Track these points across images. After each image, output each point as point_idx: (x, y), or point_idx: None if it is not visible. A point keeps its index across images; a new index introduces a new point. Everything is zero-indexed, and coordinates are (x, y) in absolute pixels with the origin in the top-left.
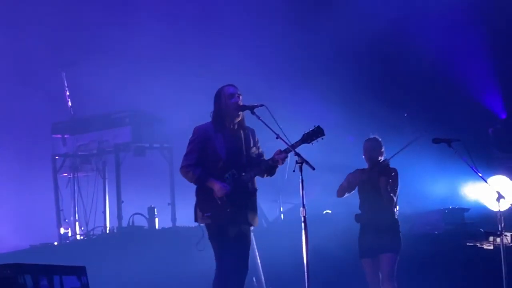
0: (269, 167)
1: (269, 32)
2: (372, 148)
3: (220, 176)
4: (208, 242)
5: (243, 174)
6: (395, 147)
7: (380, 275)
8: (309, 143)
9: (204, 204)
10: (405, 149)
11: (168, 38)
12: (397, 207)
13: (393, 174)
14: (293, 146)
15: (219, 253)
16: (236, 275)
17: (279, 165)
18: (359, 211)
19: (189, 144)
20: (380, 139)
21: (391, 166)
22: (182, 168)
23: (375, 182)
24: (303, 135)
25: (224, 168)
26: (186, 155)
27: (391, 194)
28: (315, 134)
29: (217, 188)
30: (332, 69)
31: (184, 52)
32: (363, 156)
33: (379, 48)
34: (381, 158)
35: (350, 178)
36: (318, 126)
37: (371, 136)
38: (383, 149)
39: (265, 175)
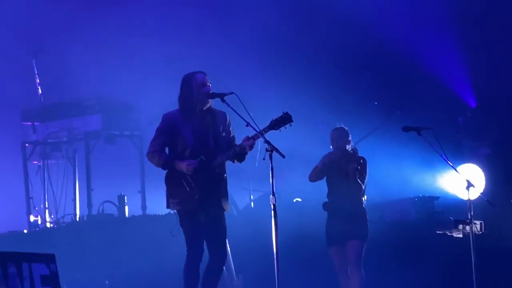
0: (238, 154)
1: (237, 20)
2: (339, 137)
3: None
4: (181, 228)
5: (212, 160)
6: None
7: (348, 263)
8: (277, 129)
9: (173, 190)
10: (377, 130)
11: (138, 25)
12: (365, 196)
13: (361, 161)
14: (261, 133)
15: (189, 239)
16: (212, 259)
17: (247, 151)
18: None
19: (156, 130)
20: (346, 128)
21: (361, 153)
22: (148, 153)
23: (343, 170)
24: (271, 121)
25: (192, 154)
26: (152, 141)
27: (359, 182)
28: (283, 120)
29: (184, 166)
30: (302, 58)
31: (153, 40)
32: (331, 146)
33: (350, 37)
34: (349, 147)
35: (322, 164)
36: (287, 113)
37: (338, 125)
38: (350, 138)
39: (235, 161)
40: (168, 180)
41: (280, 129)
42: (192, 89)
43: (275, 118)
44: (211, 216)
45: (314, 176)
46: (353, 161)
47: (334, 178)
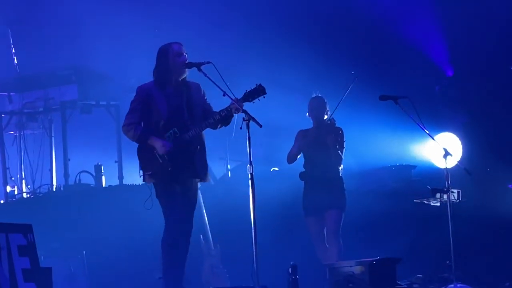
0: (224, 117)
1: None
2: (317, 107)
3: (162, 135)
4: (156, 200)
5: (185, 132)
6: (342, 106)
7: (326, 233)
8: (250, 101)
9: (145, 163)
10: (344, 98)
11: None
12: (342, 165)
13: (340, 132)
14: (238, 102)
15: (167, 210)
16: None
17: (234, 113)
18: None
19: (131, 103)
20: (324, 98)
21: (338, 123)
22: (123, 126)
23: (321, 140)
24: (245, 93)
25: (165, 127)
26: (128, 114)
27: (339, 153)
28: (256, 92)
29: (159, 145)
30: (278, 26)
31: (130, 10)
32: (308, 115)
33: (324, 5)
34: (326, 117)
35: (299, 143)
36: (260, 85)
37: (316, 95)
38: (327, 108)
39: (219, 126)
40: (141, 153)
41: (254, 101)
42: (168, 59)
43: (249, 90)
44: (185, 188)
45: (292, 159)
46: (332, 132)
47: (310, 149)
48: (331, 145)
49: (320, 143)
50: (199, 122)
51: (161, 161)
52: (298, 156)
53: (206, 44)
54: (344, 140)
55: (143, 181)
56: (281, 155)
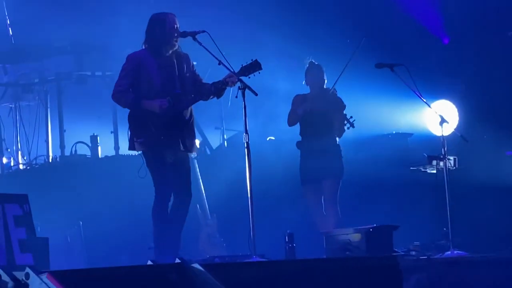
0: (218, 89)
1: None
2: (317, 74)
3: None
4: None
5: (179, 103)
6: (337, 74)
7: (323, 201)
8: (246, 76)
9: (137, 130)
10: (349, 64)
11: None
12: None
13: (343, 105)
14: (234, 72)
15: (157, 179)
16: (178, 200)
17: (228, 86)
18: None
19: (121, 71)
20: (322, 66)
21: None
22: (113, 94)
23: (320, 108)
24: (241, 67)
25: (158, 95)
26: (117, 81)
27: (344, 128)
28: (252, 67)
29: (157, 105)
30: None
31: None
32: (305, 83)
33: None
34: (324, 85)
35: (302, 106)
36: (256, 60)
37: (312, 61)
38: (325, 76)
39: (212, 97)
40: (133, 120)
41: (249, 76)
42: (164, 29)
43: (245, 64)
44: (176, 157)
45: (293, 121)
46: (337, 100)
47: (308, 116)
48: (338, 121)
49: (318, 111)
50: (191, 93)
51: (153, 130)
52: (297, 123)
53: (199, 12)
54: (344, 109)
55: (131, 148)
56: (278, 123)
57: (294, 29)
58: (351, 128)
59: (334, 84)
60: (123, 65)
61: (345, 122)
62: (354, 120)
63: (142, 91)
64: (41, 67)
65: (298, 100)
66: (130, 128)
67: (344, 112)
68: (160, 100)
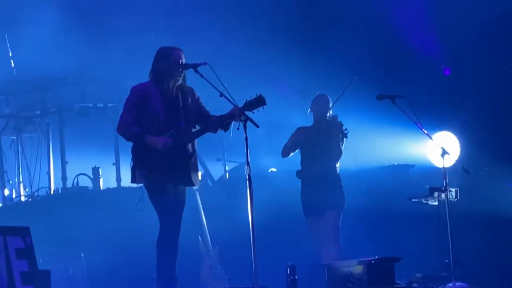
0: (225, 123)
1: None
2: (321, 103)
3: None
4: (148, 202)
5: (182, 136)
6: (340, 105)
7: (325, 234)
8: (250, 111)
9: (140, 162)
10: (342, 95)
11: None
12: (339, 162)
13: (342, 126)
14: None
15: (161, 213)
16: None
17: (235, 120)
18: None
19: (126, 103)
20: (328, 96)
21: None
22: (119, 127)
23: (321, 137)
24: (245, 102)
25: (162, 128)
26: (122, 114)
27: (341, 148)
28: (256, 102)
29: (161, 142)
30: (273, 26)
31: (127, 11)
32: (310, 111)
33: (319, 5)
34: (328, 115)
35: (296, 138)
36: (260, 95)
37: (320, 93)
38: (331, 105)
39: (219, 130)
40: (136, 152)
41: (254, 111)
42: (169, 63)
43: (249, 99)
44: (178, 190)
45: (286, 153)
46: (337, 128)
47: (309, 145)
48: (335, 143)
49: (319, 141)
50: (195, 127)
51: (156, 162)
52: (292, 153)
53: (203, 47)
54: (346, 132)
55: (133, 181)
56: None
57: (297, 60)
58: (345, 140)
59: (329, 109)
60: (128, 97)
61: (340, 135)
62: (348, 132)
63: (147, 124)
64: (43, 98)
65: (298, 132)
66: (133, 160)
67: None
68: (165, 138)
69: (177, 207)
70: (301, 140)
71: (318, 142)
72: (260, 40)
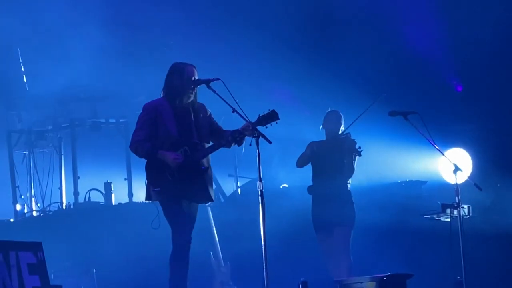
0: (238, 138)
1: (225, 6)
2: (333, 120)
3: None
4: (163, 219)
5: (195, 152)
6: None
7: (336, 250)
8: (263, 125)
9: (154, 179)
10: (364, 114)
11: (123, 13)
12: (350, 179)
13: (355, 143)
14: (253, 125)
15: (175, 228)
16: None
17: (247, 135)
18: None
19: (138, 120)
20: (340, 112)
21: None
22: (131, 144)
23: (335, 154)
24: (258, 117)
25: (175, 145)
26: (135, 132)
27: (354, 165)
28: (270, 117)
29: (171, 158)
30: (286, 43)
31: (139, 27)
32: (322, 128)
33: (333, 20)
34: (340, 132)
35: (310, 149)
36: (273, 110)
37: (332, 109)
38: (343, 122)
39: (232, 145)
40: (149, 169)
41: (267, 126)
42: (182, 79)
43: (262, 114)
44: (191, 206)
45: (302, 163)
46: (350, 146)
47: (320, 161)
48: (347, 161)
49: (331, 157)
50: (207, 143)
51: (170, 178)
52: (307, 163)
53: (215, 63)
54: (360, 151)
55: (147, 199)
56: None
57: (312, 79)
58: (357, 157)
59: (346, 129)
60: (140, 114)
61: (354, 154)
62: (362, 150)
63: (160, 141)
64: (55, 114)
65: (310, 146)
66: (147, 177)
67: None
68: (175, 154)
69: (191, 222)
70: (314, 153)
71: (330, 159)
72: (272, 55)
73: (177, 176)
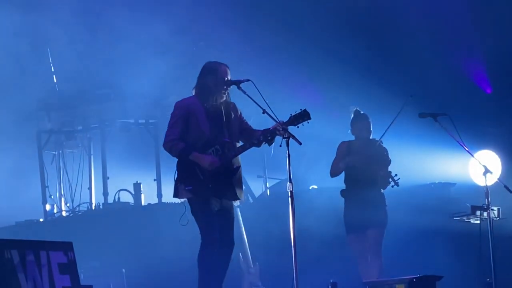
0: (268, 138)
1: (255, 8)
2: (364, 128)
3: (203, 152)
4: (191, 217)
5: (226, 151)
6: (382, 123)
7: (367, 251)
8: (295, 125)
9: (186, 178)
10: (395, 121)
11: (156, 13)
12: None
13: (384, 153)
14: (284, 125)
15: (204, 227)
16: (222, 249)
17: (278, 134)
18: (343, 185)
19: (171, 118)
20: (368, 117)
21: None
22: (165, 143)
23: (364, 163)
24: (290, 117)
25: (207, 144)
26: (168, 130)
27: (388, 181)
28: (301, 117)
29: (207, 162)
30: (317, 44)
31: (170, 25)
32: (350, 132)
33: (363, 22)
34: (370, 136)
35: (343, 154)
36: (305, 110)
37: (357, 110)
38: (371, 126)
39: (263, 143)
40: (181, 167)
41: (298, 125)
42: (217, 79)
43: (294, 114)
44: (222, 205)
45: (337, 173)
46: (383, 162)
47: (352, 170)
48: (381, 177)
49: (361, 165)
50: (238, 142)
51: (202, 177)
52: (339, 174)
53: (247, 64)
54: (390, 161)
55: (176, 196)
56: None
57: (340, 80)
58: (395, 186)
59: (381, 137)
60: (172, 113)
61: (390, 179)
62: (399, 179)
63: (191, 139)
64: (85, 114)
65: (343, 149)
66: (179, 175)
67: (389, 169)
68: (212, 157)
69: (223, 225)
70: (349, 164)
71: (360, 168)
72: (301, 56)
73: (209, 174)
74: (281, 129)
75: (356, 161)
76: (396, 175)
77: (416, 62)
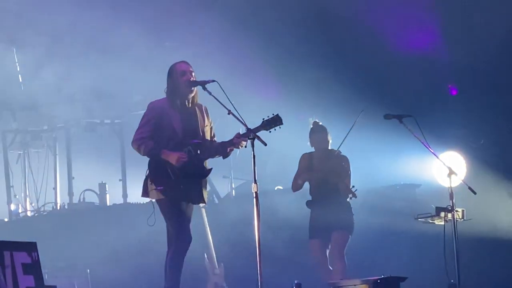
0: (226, 150)
1: (223, 9)
2: (320, 140)
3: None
4: (159, 216)
5: (199, 152)
6: (346, 125)
7: (330, 253)
8: (267, 130)
9: (157, 177)
10: (350, 131)
11: (122, 13)
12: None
13: (346, 163)
14: (252, 131)
15: (176, 228)
16: (179, 247)
17: (236, 148)
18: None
19: (142, 118)
20: (326, 128)
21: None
22: (134, 141)
23: (324, 175)
24: (263, 121)
25: (179, 145)
26: (138, 129)
27: (348, 192)
28: (274, 122)
29: (175, 157)
30: (285, 46)
31: (133, 26)
32: (309, 144)
33: (330, 25)
34: (329, 146)
35: (303, 168)
36: (277, 115)
37: (316, 121)
38: (330, 137)
39: (218, 156)
40: (152, 167)
41: (270, 130)
42: (173, 79)
43: (267, 118)
44: (189, 207)
45: (298, 189)
46: (338, 162)
47: (314, 182)
48: (342, 189)
49: (322, 178)
50: (211, 144)
51: (173, 178)
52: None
53: (212, 62)
54: (350, 168)
55: (144, 196)
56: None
57: (303, 89)
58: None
59: (339, 147)
60: (145, 112)
61: (348, 193)
62: (356, 190)
63: (163, 140)
64: (50, 114)
65: (305, 162)
66: (150, 175)
67: (347, 182)
68: (180, 153)
69: (188, 223)
70: (308, 168)
71: (321, 181)
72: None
73: (180, 175)
74: (241, 141)
75: (313, 178)
76: (353, 186)
77: (381, 64)
